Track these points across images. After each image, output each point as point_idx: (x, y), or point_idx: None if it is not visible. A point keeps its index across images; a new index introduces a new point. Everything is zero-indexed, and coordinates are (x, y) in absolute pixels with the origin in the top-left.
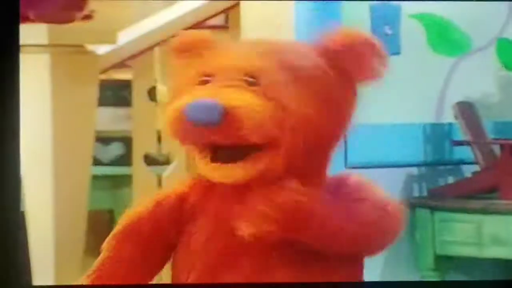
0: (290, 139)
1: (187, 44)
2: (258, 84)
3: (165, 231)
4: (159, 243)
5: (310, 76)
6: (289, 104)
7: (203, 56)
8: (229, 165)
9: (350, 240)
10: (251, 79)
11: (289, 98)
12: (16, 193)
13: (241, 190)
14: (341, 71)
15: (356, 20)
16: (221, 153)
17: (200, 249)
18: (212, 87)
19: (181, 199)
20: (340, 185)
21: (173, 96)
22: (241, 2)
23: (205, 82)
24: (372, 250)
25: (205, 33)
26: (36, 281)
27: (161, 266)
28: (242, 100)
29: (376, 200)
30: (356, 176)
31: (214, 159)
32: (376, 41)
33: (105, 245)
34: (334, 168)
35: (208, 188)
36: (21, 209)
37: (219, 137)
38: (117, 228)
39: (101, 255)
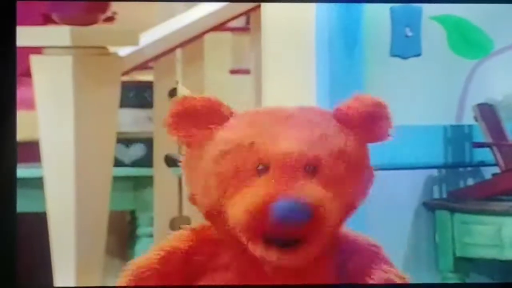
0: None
1: (191, 110)
2: (318, 173)
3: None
4: None
5: (355, 158)
6: (346, 193)
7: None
8: (292, 249)
9: None
10: (311, 168)
11: (344, 187)
12: (11, 195)
13: None
14: (359, 136)
15: (377, 22)
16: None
17: None
18: (279, 181)
19: (188, 253)
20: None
21: (223, 186)
22: (262, 4)
23: (262, 172)
24: None
25: (210, 99)
26: (57, 282)
27: None
28: (319, 196)
29: None
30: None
31: (269, 242)
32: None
33: None
34: None
35: (216, 243)
36: (43, 210)
37: (302, 233)
38: (126, 274)
39: None
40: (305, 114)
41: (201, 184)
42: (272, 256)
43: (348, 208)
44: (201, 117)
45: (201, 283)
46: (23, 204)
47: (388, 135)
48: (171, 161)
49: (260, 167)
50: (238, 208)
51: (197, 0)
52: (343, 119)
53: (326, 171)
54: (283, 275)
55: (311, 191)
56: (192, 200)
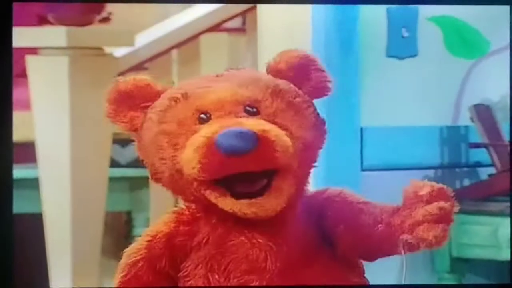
0: (295, 163)
1: (128, 92)
2: (259, 113)
3: (163, 271)
4: (159, 283)
5: (294, 99)
6: (292, 129)
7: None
8: (260, 198)
9: None
10: (252, 109)
11: (289, 123)
12: (7, 196)
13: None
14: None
15: (373, 23)
16: (239, 187)
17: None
18: (221, 121)
19: (170, 236)
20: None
21: (172, 142)
22: (258, 5)
23: (205, 120)
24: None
25: (144, 80)
26: (53, 282)
27: None
28: (263, 124)
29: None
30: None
31: (237, 196)
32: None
33: None
34: (351, 171)
35: (194, 221)
36: (39, 211)
37: (253, 164)
38: (119, 265)
39: None
40: (235, 73)
41: (155, 156)
42: (239, 207)
43: (304, 147)
44: (136, 99)
45: (188, 264)
46: (19, 205)
47: (326, 88)
48: None
49: (202, 115)
50: (187, 153)
51: (193, 2)
52: (276, 75)
53: (267, 109)
54: (258, 232)
55: (253, 122)
56: (155, 179)
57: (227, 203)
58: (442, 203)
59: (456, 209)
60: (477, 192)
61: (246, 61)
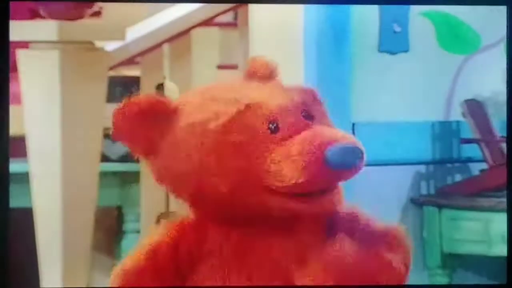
0: None
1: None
2: (314, 118)
3: (163, 283)
4: None
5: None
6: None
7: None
8: (322, 197)
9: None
10: (306, 113)
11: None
12: (3, 190)
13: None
14: None
15: (365, 18)
16: None
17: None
18: (296, 136)
19: (174, 245)
20: (352, 221)
21: (243, 153)
22: None
23: (275, 130)
24: None
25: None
26: (44, 277)
27: None
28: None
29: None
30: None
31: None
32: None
33: None
34: None
35: (200, 230)
36: (29, 206)
37: (349, 176)
38: (114, 280)
39: None
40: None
41: (197, 169)
42: (295, 205)
43: None
44: (152, 118)
45: (195, 273)
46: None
47: None
48: None
49: (271, 125)
50: (286, 164)
51: (186, 1)
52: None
53: (317, 112)
54: (273, 238)
55: (344, 133)
56: (192, 197)
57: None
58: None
59: None
60: (469, 188)
61: (237, 55)
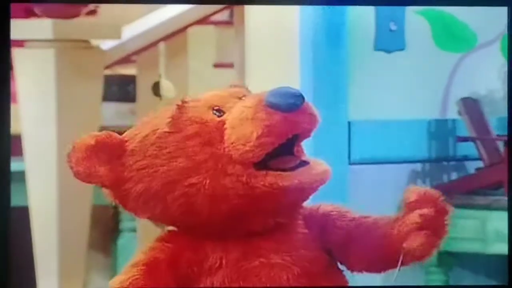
0: None
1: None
2: None
3: None
4: None
5: None
6: None
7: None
8: (300, 170)
9: None
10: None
11: None
12: (5, 189)
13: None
14: None
15: (361, 16)
16: (277, 164)
17: None
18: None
19: (172, 262)
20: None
21: (204, 140)
22: None
23: (221, 114)
24: None
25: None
26: (39, 275)
27: None
28: None
29: None
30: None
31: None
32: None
33: None
34: (338, 165)
35: (198, 247)
36: (25, 204)
37: (307, 124)
38: None
39: None
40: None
41: (173, 178)
42: (288, 182)
43: None
44: (103, 153)
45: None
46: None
47: None
48: None
49: (215, 111)
50: (240, 129)
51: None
52: None
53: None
54: (273, 251)
55: None
56: (170, 217)
57: (274, 178)
58: (424, 210)
59: (447, 214)
60: (465, 186)
61: (233, 54)
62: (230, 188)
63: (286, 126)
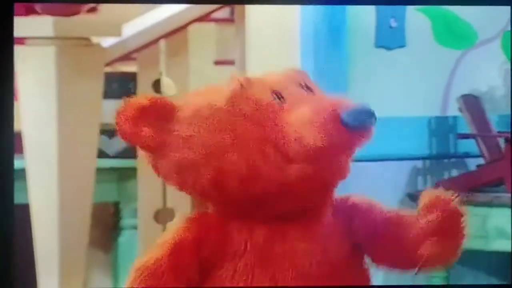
0: None
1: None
2: (312, 90)
3: (187, 280)
4: None
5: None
6: None
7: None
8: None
9: None
10: (307, 87)
11: None
12: (8, 186)
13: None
14: None
15: (362, 13)
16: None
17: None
18: (306, 97)
19: (198, 242)
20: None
21: (257, 121)
22: None
23: (281, 100)
24: None
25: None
26: (40, 273)
27: None
28: None
29: None
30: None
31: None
32: None
33: None
34: None
35: (223, 228)
36: (25, 202)
37: (366, 139)
38: (135, 278)
39: None
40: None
41: (209, 153)
42: (314, 171)
43: None
44: (153, 116)
45: (222, 272)
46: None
47: None
48: None
49: (275, 96)
50: (308, 129)
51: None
52: None
53: (312, 87)
54: (299, 239)
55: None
56: (200, 184)
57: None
58: (431, 216)
59: (461, 216)
60: (466, 183)
61: (234, 51)
62: (266, 172)
63: (351, 142)
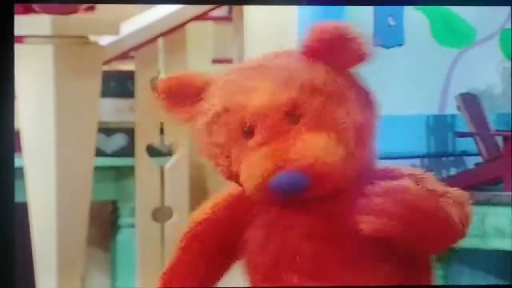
0: (352, 154)
1: (176, 88)
2: (302, 116)
3: (224, 234)
4: (218, 249)
5: (333, 86)
6: (339, 121)
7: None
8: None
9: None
10: (292, 113)
11: (335, 114)
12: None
13: None
14: (333, 64)
15: (360, 12)
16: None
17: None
18: (267, 145)
19: (239, 198)
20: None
21: (225, 153)
22: None
23: (249, 134)
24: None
25: (191, 76)
26: (38, 271)
27: (221, 273)
28: (311, 152)
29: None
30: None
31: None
32: (348, 25)
33: (175, 247)
34: None
35: (253, 203)
36: (23, 201)
37: (307, 196)
38: (185, 231)
39: (173, 256)
40: (272, 61)
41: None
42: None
43: (357, 129)
44: (180, 95)
45: (244, 237)
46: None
47: (362, 54)
48: (153, 151)
49: (246, 129)
50: (245, 174)
51: (181, 3)
52: (311, 53)
53: (309, 111)
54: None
55: (301, 148)
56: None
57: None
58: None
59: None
60: (464, 181)
61: (232, 50)
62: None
63: (279, 200)
